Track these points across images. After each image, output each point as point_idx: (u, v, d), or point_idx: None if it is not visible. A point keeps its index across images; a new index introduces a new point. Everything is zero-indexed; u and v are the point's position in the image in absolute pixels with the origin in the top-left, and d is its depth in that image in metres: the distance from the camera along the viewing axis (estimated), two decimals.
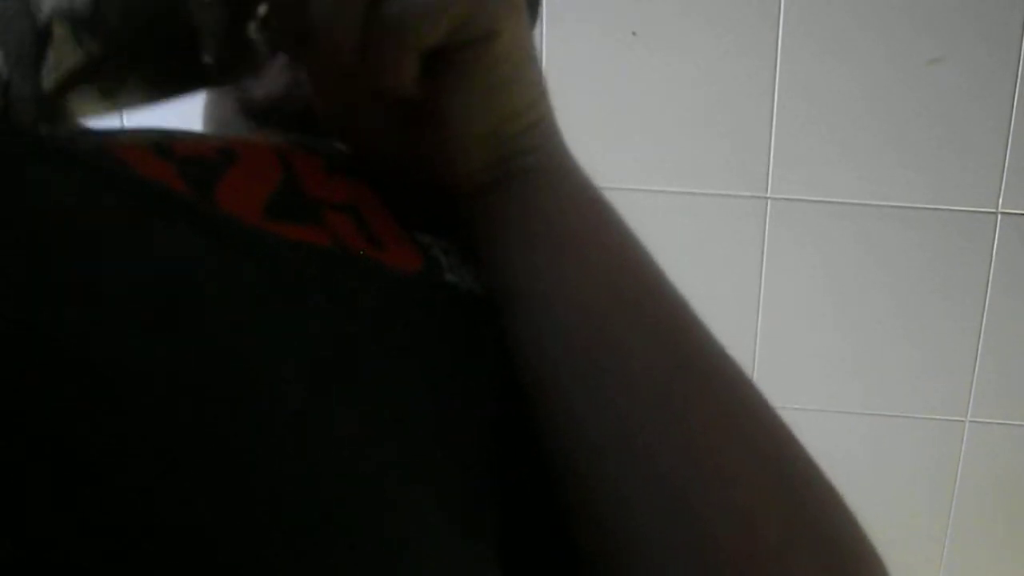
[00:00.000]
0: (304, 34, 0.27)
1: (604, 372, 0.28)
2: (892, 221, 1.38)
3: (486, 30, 0.27)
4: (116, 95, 0.28)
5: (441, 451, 0.25)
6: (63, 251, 0.19)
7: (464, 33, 0.27)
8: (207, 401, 0.19)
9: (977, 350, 1.42)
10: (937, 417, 1.47)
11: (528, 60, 0.30)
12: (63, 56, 0.27)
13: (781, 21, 1.32)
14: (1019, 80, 1.30)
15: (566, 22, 1.34)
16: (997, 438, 1.46)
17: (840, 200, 1.38)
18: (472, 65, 0.28)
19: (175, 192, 0.25)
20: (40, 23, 0.26)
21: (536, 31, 0.51)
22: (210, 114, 0.41)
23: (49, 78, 0.27)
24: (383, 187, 0.31)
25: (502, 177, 0.30)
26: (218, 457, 0.19)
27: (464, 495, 0.25)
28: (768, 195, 1.39)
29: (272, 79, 0.35)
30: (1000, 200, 1.35)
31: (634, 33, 1.35)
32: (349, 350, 0.24)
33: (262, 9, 0.29)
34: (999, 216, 1.36)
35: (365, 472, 0.22)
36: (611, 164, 1.41)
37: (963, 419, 1.46)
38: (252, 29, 0.30)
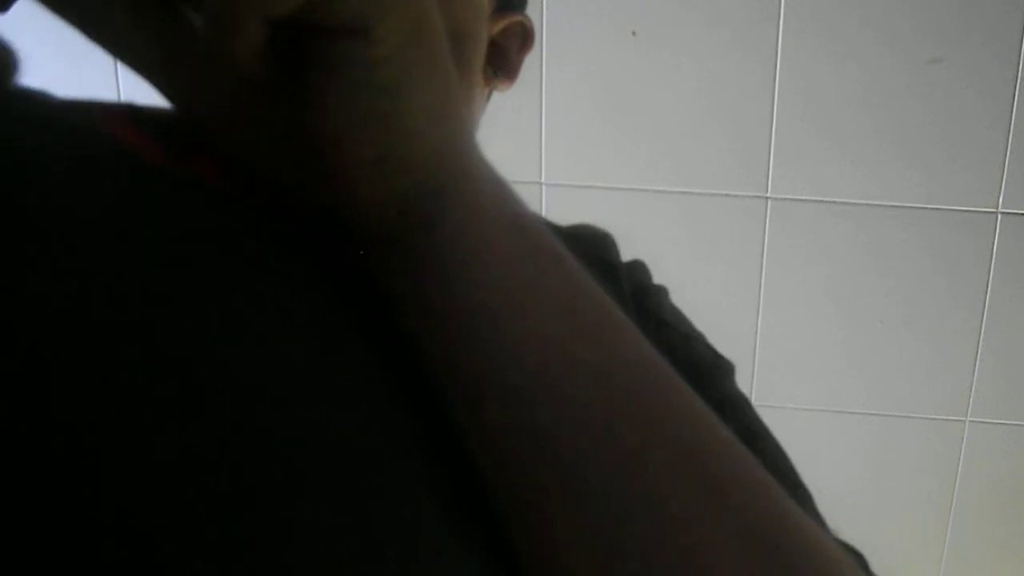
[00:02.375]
0: None
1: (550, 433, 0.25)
2: (892, 221, 1.38)
3: (350, 24, 0.24)
4: None
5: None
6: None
7: (328, 15, 0.23)
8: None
9: (977, 350, 1.42)
10: (937, 417, 1.47)
11: (423, 78, 0.25)
12: None
13: (781, 21, 1.32)
14: (1019, 80, 1.30)
15: (566, 22, 1.34)
16: (997, 438, 1.46)
17: (840, 200, 1.39)
18: (342, 64, 0.24)
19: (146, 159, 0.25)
20: None
21: (537, 30, 0.51)
22: None
23: None
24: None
25: (415, 221, 0.26)
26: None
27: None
28: (768, 195, 1.39)
29: None
30: (1000, 200, 1.35)
31: (634, 33, 1.35)
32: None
33: None
34: (999, 216, 1.36)
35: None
36: (611, 164, 1.41)
37: (963, 419, 1.46)
38: None
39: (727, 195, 1.40)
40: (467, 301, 0.26)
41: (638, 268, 0.53)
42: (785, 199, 1.39)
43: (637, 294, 0.50)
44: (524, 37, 0.49)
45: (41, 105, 0.26)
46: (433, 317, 0.26)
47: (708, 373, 0.47)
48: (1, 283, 0.19)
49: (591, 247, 0.52)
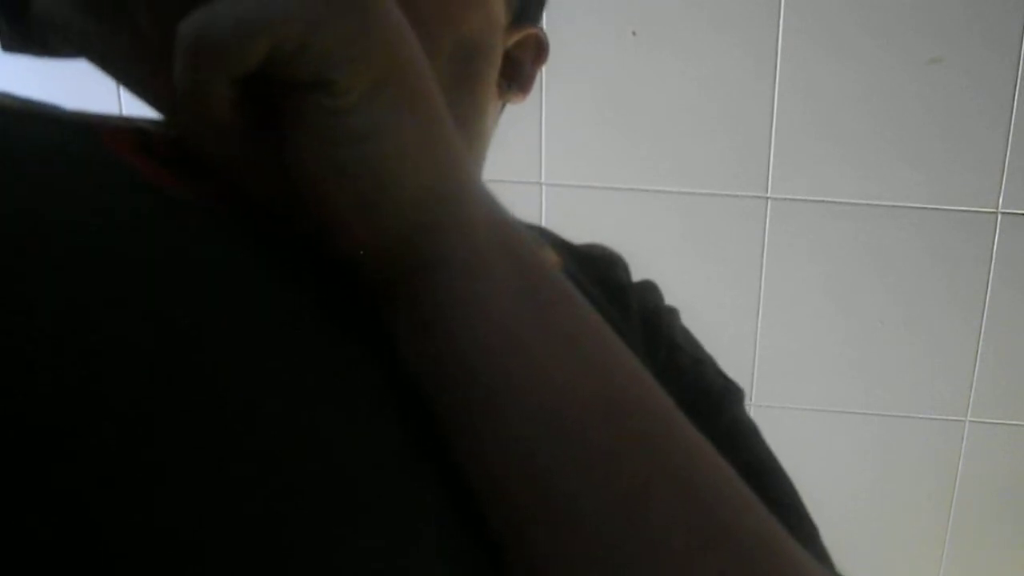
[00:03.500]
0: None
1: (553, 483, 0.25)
2: (892, 221, 1.38)
3: (316, 75, 0.23)
4: None
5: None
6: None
7: (290, 71, 0.23)
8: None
9: (977, 350, 1.42)
10: (937, 417, 1.47)
11: (399, 122, 0.25)
12: None
13: (781, 21, 1.32)
14: (1019, 80, 1.30)
15: (566, 22, 1.34)
16: (997, 438, 1.46)
17: (840, 200, 1.39)
18: (311, 116, 0.24)
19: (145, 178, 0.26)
20: None
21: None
22: None
23: None
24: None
25: (411, 263, 0.26)
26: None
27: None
28: (768, 195, 1.39)
29: None
30: (1000, 200, 1.35)
31: (634, 33, 1.35)
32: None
33: None
34: (999, 216, 1.36)
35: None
36: (611, 164, 1.41)
37: (963, 419, 1.46)
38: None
39: (727, 195, 1.40)
40: (467, 344, 0.26)
41: (649, 290, 0.53)
42: (785, 199, 1.39)
43: (648, 316, 0.50)
44: (538, 50, 0.49)
45: (41, 120, 0.26)
46: (433, 358, 0.26)
47: (718, 400, 0.47)
48: (8, 307, 0.19)
49: (601, 268, 0.52)
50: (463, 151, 0.27)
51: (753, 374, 1.47)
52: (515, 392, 0.25)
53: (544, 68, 0.51)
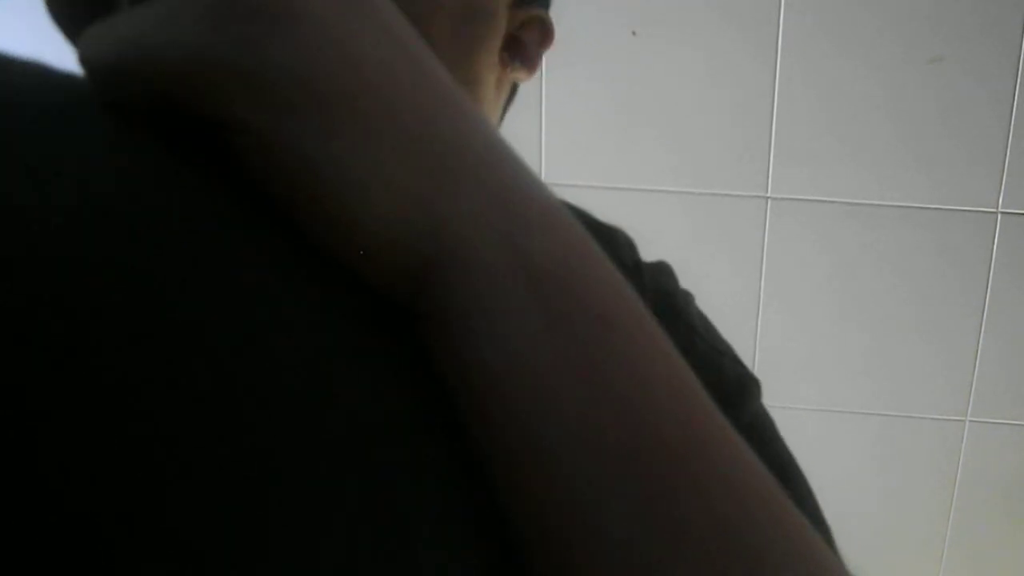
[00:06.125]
0: None
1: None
2: (892, 221, 1.38)
3: (211, 113, 0.21)
4: None
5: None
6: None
7: (190, 107, 0.21)
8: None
9: (977, 350, 1.42)
10: (937, 417, 1.47)
11: (339, 154, 0.21)
12: None
13: (781, 21, 1.32)
14: (1019, 80, 1.30)
15: (566, 22, 1.34)
16: (997, 438, 1.46)
17: (840, 200, 1.39)
18: (241, 155, 0.21)
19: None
20: None
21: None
22: None
23: None
24: None
25: (417, 288, 0.23)
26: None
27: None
28: (768, 195, 1.39)
29: None
30: (1000, 200, 1.35)
31: (634, 33, 1.35)
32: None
33: None
34: (999, 216, 1.36)
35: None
36: (611, 163, 1.41)
37: (963, 419, 1.46)
38: None
39: (727, 195, 1.40)
40: (480, 378, 0.22)
41: (663, 272, 0.51)
42: (785, 199, 1.39)
43: (662, 299, 0.47)
44: (543, 32, 0.49)
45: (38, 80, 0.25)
46: (453, 383, 0.23)
47: (738, 391, 0.45)
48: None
49: (613, 246, 0.50)
50: (468, 134, 0.23)
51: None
52: (530, 427, 0.22)
53: (544, 69, 0.52)
